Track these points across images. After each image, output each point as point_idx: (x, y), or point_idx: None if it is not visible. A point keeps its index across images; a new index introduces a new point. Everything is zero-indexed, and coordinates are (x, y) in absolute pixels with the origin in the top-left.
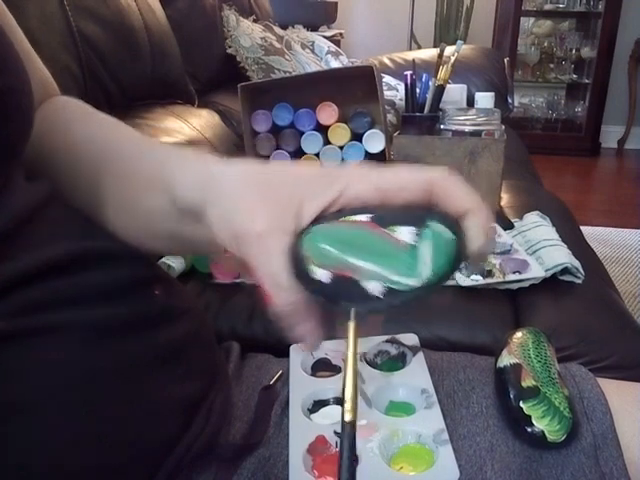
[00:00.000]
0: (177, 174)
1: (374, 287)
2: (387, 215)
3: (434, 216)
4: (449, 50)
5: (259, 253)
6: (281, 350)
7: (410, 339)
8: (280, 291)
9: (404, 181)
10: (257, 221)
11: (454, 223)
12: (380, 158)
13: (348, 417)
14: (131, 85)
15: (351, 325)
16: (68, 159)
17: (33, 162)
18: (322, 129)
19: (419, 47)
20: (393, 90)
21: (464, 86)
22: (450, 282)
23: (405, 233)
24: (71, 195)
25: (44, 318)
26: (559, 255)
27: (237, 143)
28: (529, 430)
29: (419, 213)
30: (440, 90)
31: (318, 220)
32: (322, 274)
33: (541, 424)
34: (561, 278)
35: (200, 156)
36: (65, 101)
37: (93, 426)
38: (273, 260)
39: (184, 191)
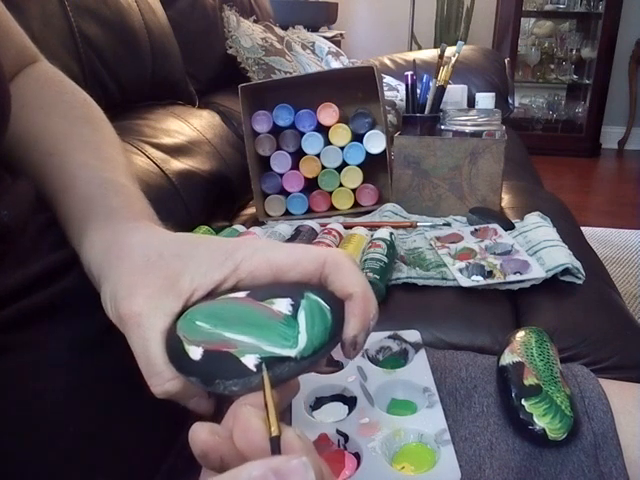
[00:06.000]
0: (89, 231)
1: (249, 360)
2: (264, 289)
3: (311, 288)
4: (450, 51)
5: (135, 335)
6: None
7: (412, 335)
8: (152, 376)
9: (297, 258)
10: (134, 300)
11: (331, 296)
12: (381, 159)
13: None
14: (131, 85)
15: (266, 379)
16: (19, 150)
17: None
18: (323, 130)
19: (419, 48)
20: (394, 91)
21: (465, 87)
22: (450, 282)
23: (281, 304)
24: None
25: (34, 329)
26: (560, 256)
27: (238, 144)
28: (530, 428)
29: (297, 286)
30: (441, 91)
31: (205, 298)
32: (194, 351)
33: (542, 422)
34: (562, 279)
35: (121, 211)
36: (34, 80)
37: (89, 433)
38: (147, 343)
39: (88, 254)
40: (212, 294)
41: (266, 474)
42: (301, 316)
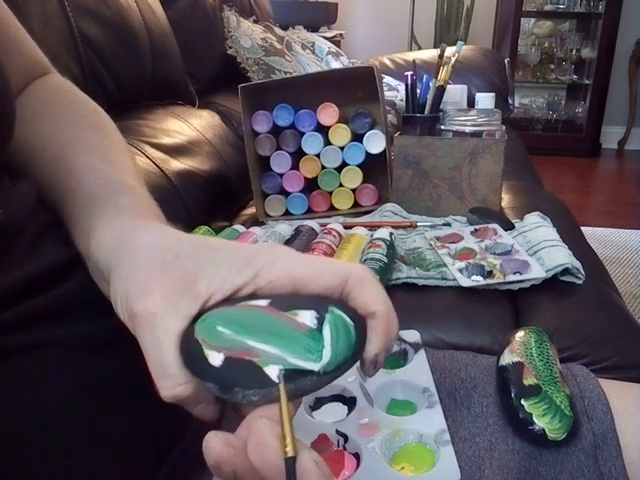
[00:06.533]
0: (97, 226)
1: (272, 371)
2: (285, 299)
3: (334, 302)
4: (449, 51)
5: (149, 335)
6: None
7: (412, 335)
8: (164, 378)
9: (320, 272)
10: (150, 299)
11: (353, 312)
12: (381, 159)
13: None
14: (131, 85)
15: (282, 390)
16: (27, 155)
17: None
18: (323, 130)
19: (419, 48)
20: (393, 91)
21: (464, 87)
22: (450, 282)
23: (306, 316)
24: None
25: (35, 331)
26: (560, 256)
27: (238, 144)
28: (530, 428)
29: (319, 299)
30: (441, 91)
31: (222, 303)
32: (215, 357)
33: (542, 422)
34: (562, 279)
35: (129, 210)
36: (45, 89)
37: (89, 435)
38: (161, 344)
39: (96, 249)
40: (229, 300)
41: None
42: (326, 330)
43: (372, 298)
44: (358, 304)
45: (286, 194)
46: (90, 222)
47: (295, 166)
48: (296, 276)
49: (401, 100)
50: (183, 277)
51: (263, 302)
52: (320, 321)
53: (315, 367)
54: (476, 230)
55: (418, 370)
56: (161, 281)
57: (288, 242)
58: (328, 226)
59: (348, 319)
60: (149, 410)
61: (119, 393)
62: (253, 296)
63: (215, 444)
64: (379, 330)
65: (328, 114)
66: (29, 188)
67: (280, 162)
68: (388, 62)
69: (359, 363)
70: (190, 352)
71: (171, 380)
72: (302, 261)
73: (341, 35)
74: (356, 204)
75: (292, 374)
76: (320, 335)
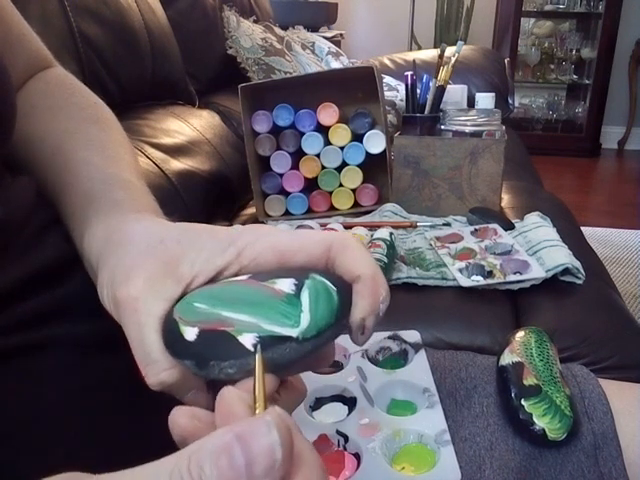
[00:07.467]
0: (92, 222)
1: (247, 339)
2: (268, 272)
3: (316, 271)
4: (449, 51)
5: (131, 321)
6: None
7: (412, 336)
8: (148, 364)
9: (302, 242)
10: (132, 284)
11: (338, 278)
12: (381, 159)
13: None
14: (131, 85)
15: (257, 359)
16: (26, 149)
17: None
18: (323, 130)
19: (419, 48)
20: (393, 91)
21: (465, 87)
22: (450, 282)
23: (283, 284)
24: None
25: (36, 331)
26: (560, 256)
27: (238, 144)
28: (530, 428)
29: (302, 269)
30: (441, 91)
31: (206, 284)
32: (189, 332)
33: (542, 422)
34: (562, 279)
35: (124, 204)
36: (46, 83)
37: (88, 438)
38: (143, 328)
39: (88, 244)
40: (214, 281)
41: (231, 442)
42: (304, 295)
43: (356, 262)
44: (343, 271)
45: (286, 194)
46: (85, 218)
47: (295, 166)
48: (279, 249)
49: (401, 100)
50: (167, 261)
51: (243, 277)
52: (299, 287)
53: (293, 333)
54: (476, 230)
55: (418, 370)
56: (144, 265)
57: None
58: (328, 226)
59: (330, 284)
60: (151, 409)
61: (120, 393)
62: (238, 275)
63: (179, 419)
64: (365, 294)
65: (328, 114)
66: (29, 184)
67: (280, 162)
68: (388, 62)
69: (348, 331)
70: (168, 332)
71: (155, 366)
72: (284, 234)
73: (341, 35)
74: (356, 204)
75: (269, 341)
76: (298, 300)
